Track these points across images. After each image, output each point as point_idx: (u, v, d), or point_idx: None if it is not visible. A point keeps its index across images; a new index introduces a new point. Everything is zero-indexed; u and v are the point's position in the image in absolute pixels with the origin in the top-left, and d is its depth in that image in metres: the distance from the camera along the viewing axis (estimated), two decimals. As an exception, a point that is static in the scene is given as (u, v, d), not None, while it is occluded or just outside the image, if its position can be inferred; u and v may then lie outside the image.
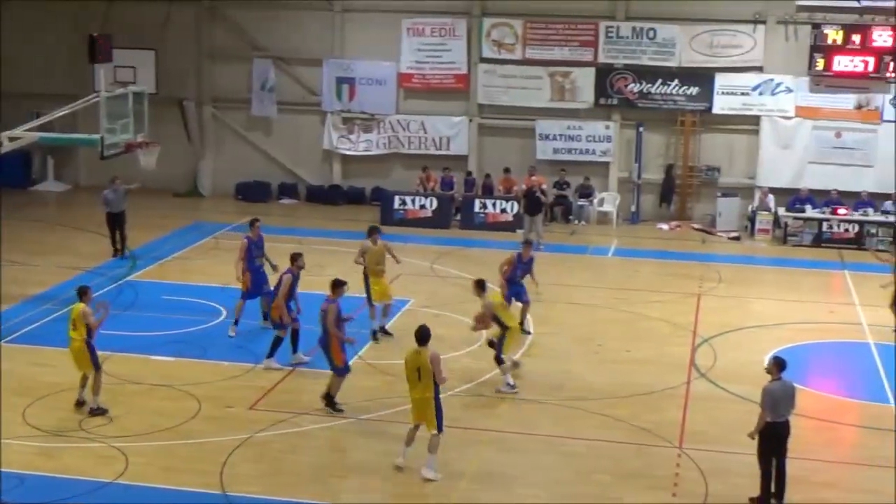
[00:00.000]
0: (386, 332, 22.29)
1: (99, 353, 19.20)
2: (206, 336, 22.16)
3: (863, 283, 27.29)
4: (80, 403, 18.01)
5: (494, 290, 21.21)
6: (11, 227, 29.34)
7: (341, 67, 35.52)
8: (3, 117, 30.11)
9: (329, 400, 18.35)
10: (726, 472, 16.31)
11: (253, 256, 22.23)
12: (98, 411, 17.76)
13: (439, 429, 15.92)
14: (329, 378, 18.46)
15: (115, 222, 27.86)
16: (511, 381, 19.49)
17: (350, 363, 18.72)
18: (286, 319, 20.20)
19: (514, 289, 22.34)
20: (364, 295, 22.03)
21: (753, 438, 15.36)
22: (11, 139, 24.17)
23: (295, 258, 20.45)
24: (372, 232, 22.29)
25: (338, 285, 18.49)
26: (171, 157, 30.57)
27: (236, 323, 22.23)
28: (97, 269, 26.86)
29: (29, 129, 24.85)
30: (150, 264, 27.70)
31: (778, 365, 15.38)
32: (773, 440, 15.28)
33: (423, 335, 15.96)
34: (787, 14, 32.72)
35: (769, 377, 15.36)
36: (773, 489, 15.42)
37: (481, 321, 19.44)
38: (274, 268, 22.24)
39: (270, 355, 20.34)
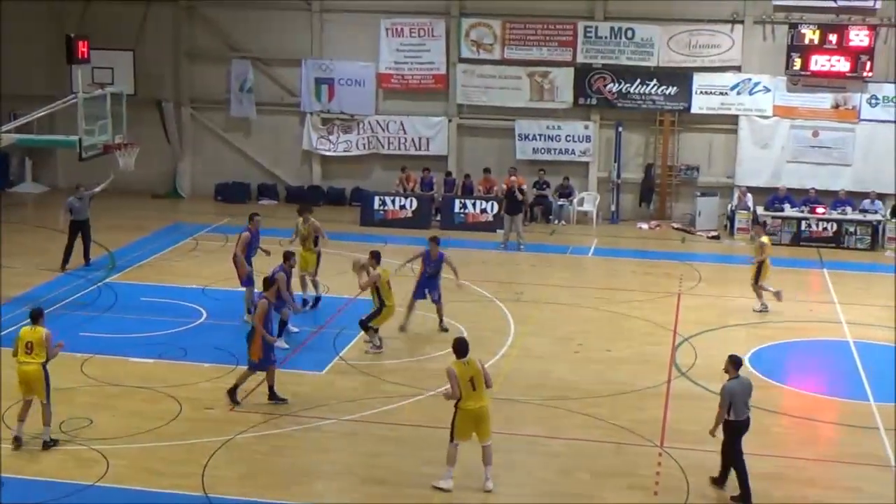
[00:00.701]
0: (316, 303, 24.08)
1: (79, 354, 19.18)
2: (186, 338, 22.11)
3: (841, 282, 27.47)
4: (17, 440, 16.68)
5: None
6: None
7: (320, 68, 35.47)
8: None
9: (232, 390, 18.57)
10: (708, 470, 16.29)
11: (251, 249, 23.30)
12: (52, 443, 16.65)
13: None
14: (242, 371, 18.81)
15: (79, 230, 27.10)
16: (378, 343, 21.43)
17: (263, 361, 18.53)
18: (294, 307, 21.69)
19: (423, 283, 22.87)
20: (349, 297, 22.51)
21: (714, 436, 15.75)
22: (-11, 140, 24.08)
23: (287, 257, 21.26)
24: (302, 211, 24.37)
25: (271, 283, 19.10)
26: (149, 158, 30.44)
27: (249, 312, 22.49)
28: (76, 270, 26.73)
29: (6, 131, 24.72)
30: (130, 266, 27.60)
31: (734, 363, 15.78)
32: (740, 438, 15.66)
33: (464, 347, 15.81)
34: (765, 14, 32.88)
35: (727, 376, 15.78)
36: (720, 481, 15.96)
37: (360, 271, 21.36)
38: (267, 253, 23.40)
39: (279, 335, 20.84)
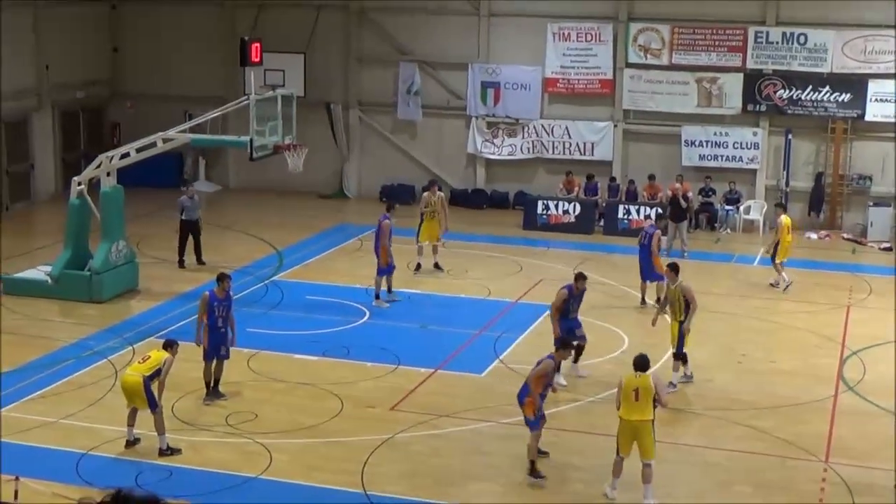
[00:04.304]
0: (438, 267, 27.18)
1: (246, 350, 19.61)
2: (349, 336, 22.45)
3: None
4: (129, 443, 16.82)
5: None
6: (162, 226, 30.14)
7: (486, 72, 35.61)
8: (157, 119, 30.91)
9: (532, 467, 16.33)
10: (875, 489, 15.89)
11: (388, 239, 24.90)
12: (168, 451, 16.56)
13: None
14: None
15: (190, 230, 27.53)
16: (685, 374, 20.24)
17: (538, 421, 16.33)
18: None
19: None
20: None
21: None
22: (165, 140, 24.81)
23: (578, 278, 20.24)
24: (431, 185, 27.75)
25: (565, 346, 17.36)
26: (317, 159, 31.04)
27: (378, 297, 24.71)
28: (245, 268, 27.37)
29: (181, 131, 25.47)
30: (296, 264, 28.16)
31: None
32: None
33: (644, 363, 15.66)
34: (945, 18, 31.80)
35: None
36: None
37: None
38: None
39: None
